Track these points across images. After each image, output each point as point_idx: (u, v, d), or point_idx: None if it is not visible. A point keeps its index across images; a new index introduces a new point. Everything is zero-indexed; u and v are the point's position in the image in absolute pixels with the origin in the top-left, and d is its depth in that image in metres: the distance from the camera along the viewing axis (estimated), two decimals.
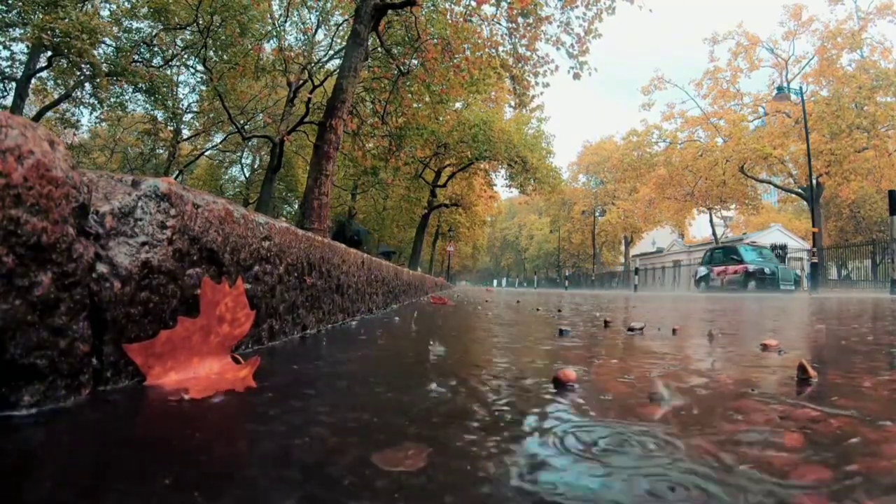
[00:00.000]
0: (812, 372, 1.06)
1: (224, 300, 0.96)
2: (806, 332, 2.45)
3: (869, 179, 21.24)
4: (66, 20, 11.63)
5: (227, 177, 30.72)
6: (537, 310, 4.08)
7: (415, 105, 11.59)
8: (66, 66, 14.48)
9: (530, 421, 0.73)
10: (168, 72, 16.76)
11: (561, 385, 0.96)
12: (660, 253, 37.50)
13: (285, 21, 14.61)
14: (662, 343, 1.77)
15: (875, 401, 0.91)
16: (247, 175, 30.19)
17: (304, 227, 5.80)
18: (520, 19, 8.93)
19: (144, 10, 13.78)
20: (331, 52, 15.44)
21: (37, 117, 15.41)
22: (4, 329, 0.60)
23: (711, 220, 26.93)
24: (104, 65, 13.47)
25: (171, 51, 15.65)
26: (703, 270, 19.05)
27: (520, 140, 19.11)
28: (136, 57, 14.52)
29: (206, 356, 0.91)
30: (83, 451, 0.58)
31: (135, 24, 14.87)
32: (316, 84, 14.38)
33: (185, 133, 22.31)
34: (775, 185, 26.37)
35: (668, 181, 26.20)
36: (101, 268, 0.76)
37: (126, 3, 14.42)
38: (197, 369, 0.89)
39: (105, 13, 14.41)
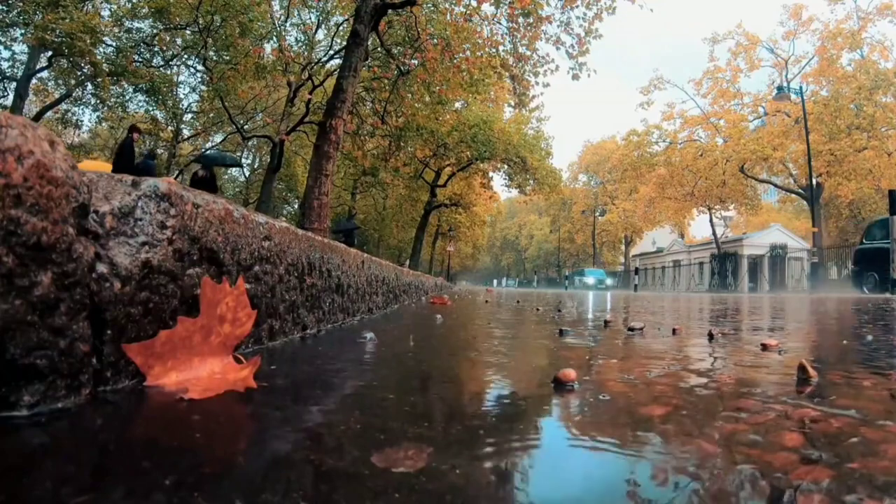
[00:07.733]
0: (812, 372, 1.05)
1: (225, 300, 0.96)
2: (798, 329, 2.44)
3: (868, 179, 21.21)
4: (69, 20, 11.60)
5: (226, 177, 30.72)
6: (538, 309, 4.08)
7: (415, 105, 11.58)
8: (66, 66, 14.48)
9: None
10: (168, 72, 16.74)
11: (561, 385, 0.96)
12: (660, 253, 37.43)
13: (286, 21, 14.60)
14: (662, 342, 1.77)
15: (875, 401, 0.91)
16: (247, 175, 30.21)
17: (304, 227, 5.80)
18: (520, 19, 8.92)
19: (145, 10, 13.76)
20: (331, 52, 15.44)
21: (37, 117, 15.40)
22: (4, 329, 0.60)
23: (711, 220, 26.86)
24: (105, 65, 13.46)
25: (171, 51, 15.64)
26: None
27: (519, 140, 19.09)
28: (136, 57, 14.51)
29: (206, 356, 0.91)
30: (83, 451, 0.58)
31: (135, 25, 14.87)
32: (316, 84, 14.37)
33: (185, 133, 22.30)
34: (775, 185, 26.33)
35: (668, 181, 26.15)
36: (101, 268, 0.76)
37: (127, 4, 14.41)
38: (198, 369, 0.89)
39: (105, 13, 14.40)
